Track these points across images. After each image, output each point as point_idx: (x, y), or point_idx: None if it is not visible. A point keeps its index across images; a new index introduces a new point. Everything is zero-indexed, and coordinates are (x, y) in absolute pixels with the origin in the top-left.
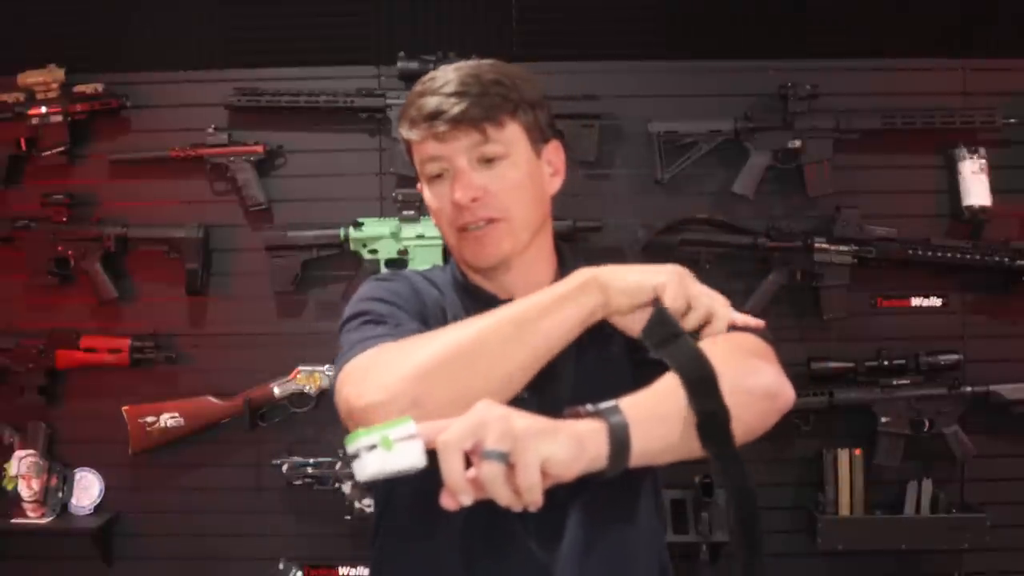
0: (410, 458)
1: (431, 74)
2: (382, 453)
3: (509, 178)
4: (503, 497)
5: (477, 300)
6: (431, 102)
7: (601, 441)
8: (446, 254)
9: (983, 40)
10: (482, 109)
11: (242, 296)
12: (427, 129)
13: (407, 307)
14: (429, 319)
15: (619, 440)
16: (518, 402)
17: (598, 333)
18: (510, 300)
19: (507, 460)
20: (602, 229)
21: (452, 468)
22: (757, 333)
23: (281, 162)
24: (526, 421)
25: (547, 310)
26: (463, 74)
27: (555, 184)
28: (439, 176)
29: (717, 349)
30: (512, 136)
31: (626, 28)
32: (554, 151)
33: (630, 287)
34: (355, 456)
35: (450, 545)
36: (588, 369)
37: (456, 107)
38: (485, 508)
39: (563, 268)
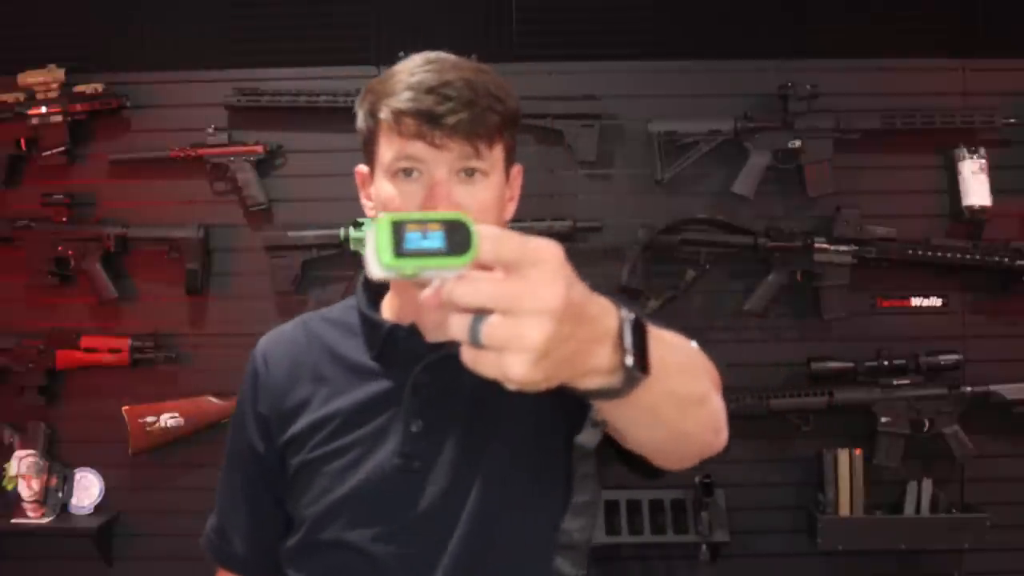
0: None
1: (424, 56)
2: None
3: (482, 198)
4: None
5: (377, 330)
6: (426, 100)
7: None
8: None
9: (983, 40)
10: (479, 124)
11: (242, 296)
12: (416, 128)
13: (241, 445)
14: (297, 386)
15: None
16: (409, 436)
17: None
18: (411, 326)
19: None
20: (602, 229)
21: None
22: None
23: (281, 162)
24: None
25: None
26: (460, 77)
27: (510, 210)
28: (406, 173)
29: (700, 358)
30: (496, 157)
31: (626, 28)
32: (516, 175)
33: None
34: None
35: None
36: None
37: (454, 116)
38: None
39: None
